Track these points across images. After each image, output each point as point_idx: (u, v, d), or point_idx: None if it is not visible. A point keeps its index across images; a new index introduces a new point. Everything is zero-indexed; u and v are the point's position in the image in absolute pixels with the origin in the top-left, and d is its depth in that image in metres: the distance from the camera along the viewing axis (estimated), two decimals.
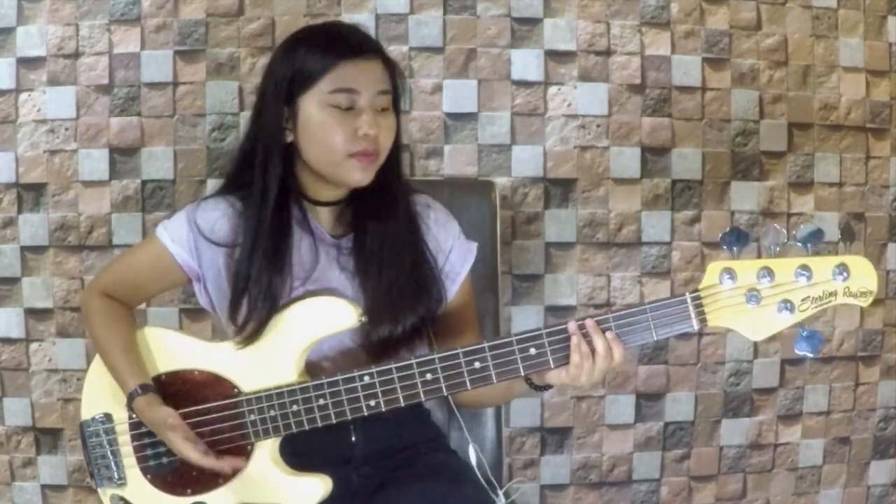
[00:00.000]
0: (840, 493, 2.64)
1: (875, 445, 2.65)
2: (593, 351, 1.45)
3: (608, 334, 1.45)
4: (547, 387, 1.54)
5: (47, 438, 2.46)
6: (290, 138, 1.59)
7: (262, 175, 1.59)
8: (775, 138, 2.53)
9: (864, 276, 1.38)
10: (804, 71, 2.53)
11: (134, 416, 1.62)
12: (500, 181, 2.45)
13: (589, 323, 1.45)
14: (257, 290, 1.57)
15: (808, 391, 2.60)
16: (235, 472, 1.59)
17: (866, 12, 2.54)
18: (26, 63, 2.39)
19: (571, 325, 1.46)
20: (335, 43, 1.57)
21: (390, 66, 1.61)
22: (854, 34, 2.54)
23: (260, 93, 1.62)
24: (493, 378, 1.48)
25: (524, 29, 2.45)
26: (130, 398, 1.60)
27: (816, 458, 2.62)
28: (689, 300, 1.43)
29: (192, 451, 1.55)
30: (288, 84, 1.56)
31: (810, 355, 1.43)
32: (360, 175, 1.57)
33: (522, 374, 1.48)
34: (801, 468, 2.62)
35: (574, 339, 1.45)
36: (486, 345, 1.48)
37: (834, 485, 2.64)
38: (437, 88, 2.45)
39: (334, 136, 1.55)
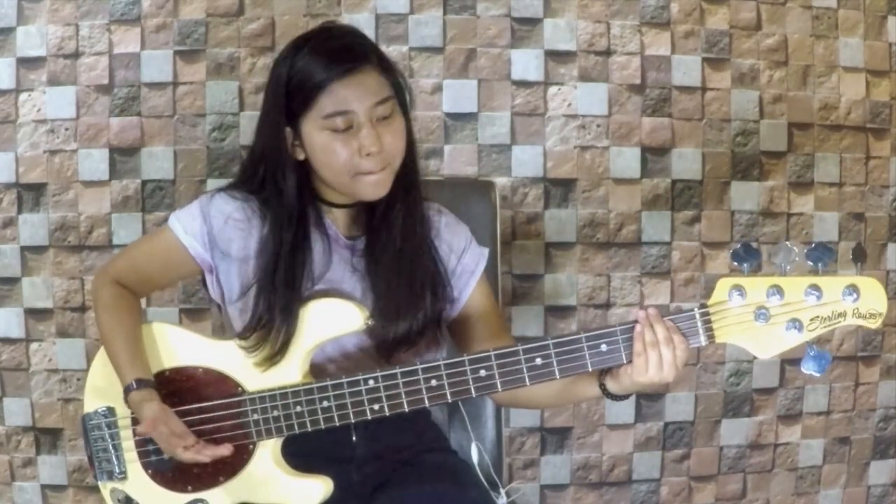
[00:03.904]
0: (840, 493, 2.64)
1: (875, 445, 2.65)
2: (657, 339, 1.43)
3: (668, 324, 1.43)
4: (624, 396, 1.51)
5: (47, 438, 2.46)
6: (302, 156, 1.58)
7: (278, 195, 1.58)
8: (775, 138, 2.53)
9: (873, 297, 1.37)
10: (804, 71, 2.53)
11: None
12: (500, 181, 2.46)
13: (651, 311, 1.43)
14: (281, 318, 1.55)
15: (808, 391, 2.60)
16: (235, 472, 1.59)
17: (866, 12, 2.54)
18: (26, 63, 2.39)
19: (641, 314, 1.43)
20: (326, 61, 1.53)
21: (387, 69, 1.58)
22: (854, 34, 2.54)
23: (264, 104, 1.61)
24: (498, 387, 1.48)
25: (524, 29, 2.45)
26: (126, 391, 1.59)
27: (816, 458, 2.62)
28: (697, 316, 1.43)
29: (177, 448, 1.54)
30: (285, 103, 1.55)
31: (817, 375, 1.42)
32: (372, 190, 1.57)
33: (528, 384, 1.47)
34: (801, 468, 2.62)
35: (637, 328, 1.43)
36: (492, 353, 1.48)
37: (834, 485, 2.64)
38: (437, 88, 2.45)
39: (337, 159, 1.53)
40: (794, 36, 2.52)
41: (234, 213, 1.63)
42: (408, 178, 1.62)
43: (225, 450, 1.55)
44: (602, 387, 1.52)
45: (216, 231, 1.63)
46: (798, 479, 2.63)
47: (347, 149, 1.53)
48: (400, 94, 1.59)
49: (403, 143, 1.59)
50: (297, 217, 1.59)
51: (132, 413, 1.62)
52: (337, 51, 1.55)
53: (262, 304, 1.57)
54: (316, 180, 1.61)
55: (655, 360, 1.43)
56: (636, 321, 1.44)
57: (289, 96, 1.54)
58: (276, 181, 1.59)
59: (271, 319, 1.56)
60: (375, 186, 1.56)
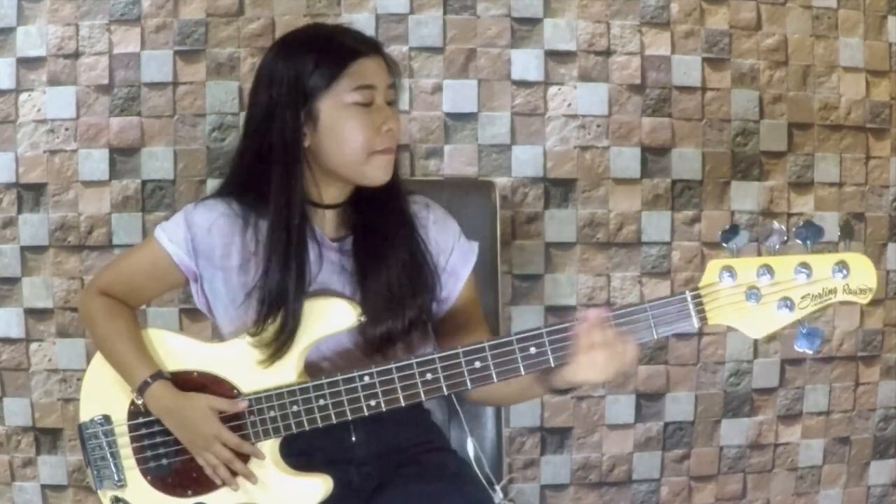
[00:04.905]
0: (840, 493, 2.64)
1: (875, 445, 2.65)
2: (600, 342, 1.43)
3: (616, 329, 1.43)
4: (569, 389, 1.52)
5: (47, 438, 2.46)
6: (307, 143, 1.58)
7: (287, 182, 1.57)
8: (775, 138, 2.53)
9: (863, 273, 1.38)
10: (804, 71, 2.53)
11: (143, 409, 1.61)
12: (500, 181, 2.46)
13: (600, 315, 1.44)
14: (295, 302, 1.55)
15: (808, 391, 2.60)
16: (234, 474, 1.59)
17: (866, 12, 2.54)
18: (26, 63, 2.39)
19: (589, 314, 1.44)
20: (346, 42, 1.58)
21: (388, 62, 1.63)
22: (854, 34, 2.54)
23: (264, 101, 1.59)
24: (494, 377, 1.48)
25: (524, 29, 2.45)
26: (143, 387, 1.59)
27: (816, 458, 2.62)
28: (689, 298, 1.42)
29: (234, 436, 1.55)
30: (304, 87, 1.55)
31: (810, 352, 1.43)
32: (382, 173, 1.59)
33: (523, 373, 1.47)
34: (801, 468, 2.62)
35: (579, 328, 1.44)
36: (486, 344, 1.48)
37: (834, 485, 2.64)
38: (437, 88, 2.45)
39: (358, 134, 1.55)
40: (794, 36, 2.52)
41: (217, 221, 1.63)
42: (392, 175, 1.63)
43: (259, 451, 1.58)
44: (545, 382, 1.53)
45: (199, 240, 1.64)
46: (798, 479, 2.63)
47: (369, 125, 1.56)
48: (396, 92, 1.64)
49: (401, 134, 1.63)
50: (301, 207, 1.59)
51: (146, 415, 1.62)
52: (352, 34, 1.62)
53: (275, 293, 1.56)
54: (307, 175, 1.61)
55: (595, 360, 1.43)
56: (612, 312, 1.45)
57: (308, 77, 1.55)
58: (288, 169, 1.57)
59: (287, 308, 1.55)
60: (387, 167, 1.59)
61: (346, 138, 1.56)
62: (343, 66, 1.55)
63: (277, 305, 1.56)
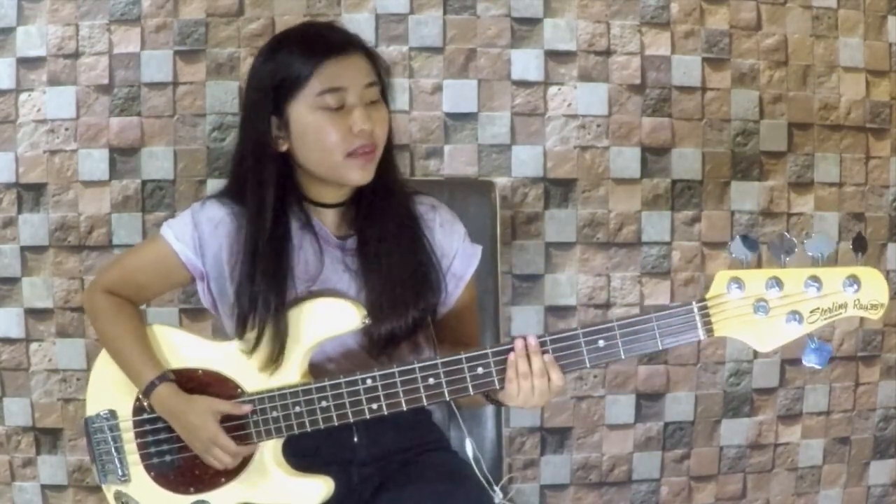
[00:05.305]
0: (840, 493, 2.64)
1: (875, 445, 2.65)
2: (531, 371, 1.45)
3: (546, 357, 1.45)
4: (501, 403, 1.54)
5: (47, 438, 2.46)
6: (284, 147, 1.58)
7: (257, 188, 1.58)
8: (775, 138, 2.53)
9: (874, 288, 1.35)
10: (804, 71, 2.53)
11: (148, 409, 1.62)
12: (500, 181, 2.45)
13: (531, 342, 1.45)
14: (264, 312, 1.55)
15: (808, 391, 2.60)
16: (237, 472, 1.59)
17: (866, 12, 2.54)
18: (26, 63, 2.38)
19: (518, 343, 1.46)
20: (315, 44, 1.56)
21: (373, 57, 1.60)
22: (854, 34, 2.54)
23: (245, 102, 1.61)
24: (496, 383, 1.48)
25: (524, 29, 2.45)
26: (149, 389, 1.59)
27: (816, 458, 2.62)
28: (695, 309, 1.42)
29: (231, 442, 1.55)
30: (273, 93, 1.55)
31: (818, 367, 1.41)
32: (359, 174, 1.57)
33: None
34: (801, 468, 2.62)
35: (511, 356, 1.46)
36: (489, 350, 1.48)
37: (834, 485, 2.64)
38: (437, 88, 2.45)
39: (329, 138, 1.54)
40: (794, 36, 2.52)
41: (224, 219, 1.63)
42: (389, 173, 1.63)
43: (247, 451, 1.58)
44: (487, 396, 1.55)
45: (206, 237, 1.63)
46: (798, 479, 2.63)
47: (339, 127, 1.53)
48: (384, 86, 1.61)
49: (386, 133, 1.60)
50: (277, 210, 1.58)
51: (149, 412, 1.62)
52: (327, 34, 1.58)
53: (246, 301, 1.57)
54: (301, 177, 1.61)
55: (527, 389, 1.46)
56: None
57: (279, 80, 1.54)
58: (258, 174, 1.58)
59: (259, 318, 1.55)
60: (363, 170, 1.56)
61: (317, 143, 1.54)
62: (310, 70, 1.53)
63: (252, 313, 1.56)
